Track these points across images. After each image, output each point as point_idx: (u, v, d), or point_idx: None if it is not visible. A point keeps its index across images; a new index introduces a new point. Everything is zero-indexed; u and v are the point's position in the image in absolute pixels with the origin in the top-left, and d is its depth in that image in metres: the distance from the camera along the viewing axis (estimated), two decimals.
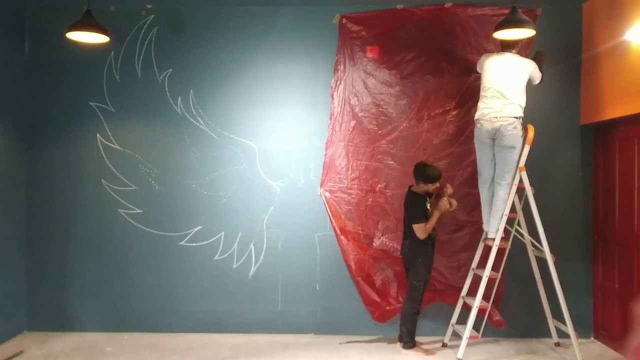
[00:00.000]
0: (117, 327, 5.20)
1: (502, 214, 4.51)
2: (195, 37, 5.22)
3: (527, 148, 4.55)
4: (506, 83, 4.48)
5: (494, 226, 4.55)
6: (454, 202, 4.70)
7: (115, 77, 5.23)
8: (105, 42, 4.57)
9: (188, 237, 5.22)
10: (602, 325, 4.99)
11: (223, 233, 5.22)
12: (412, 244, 4.67)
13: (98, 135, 5.23)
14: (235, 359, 4.62)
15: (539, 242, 4.54)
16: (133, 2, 5.13)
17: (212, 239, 5.22)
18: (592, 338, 5.13)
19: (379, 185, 5.12)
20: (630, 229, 4.64)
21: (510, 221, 4.60)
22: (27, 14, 5.24)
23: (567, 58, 5.13)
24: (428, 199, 4.75)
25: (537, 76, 4.63)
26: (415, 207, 4.67)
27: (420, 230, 4.58)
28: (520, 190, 4.62)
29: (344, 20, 5.14)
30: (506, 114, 4.44)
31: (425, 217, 4.63)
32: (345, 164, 5.12)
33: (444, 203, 4.62)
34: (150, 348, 4.84)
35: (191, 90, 5.22)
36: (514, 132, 4.44)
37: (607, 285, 4.95)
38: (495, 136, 4.50)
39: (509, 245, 4.66)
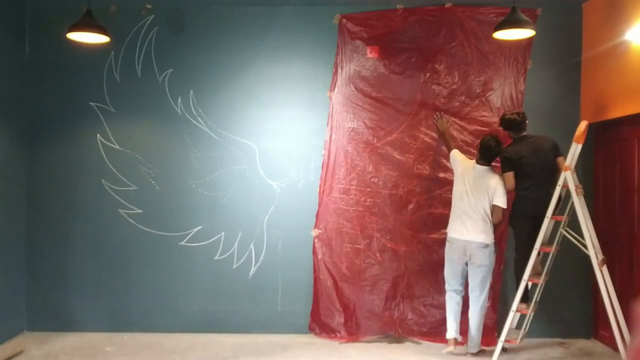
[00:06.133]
0: (117, 327, 5.20)
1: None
2: (195, 37, 5.22)
3: (574, 146, 4.34)
4: None
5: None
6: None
7: (115, 77, 5.23)
8: (106, 42, 4.57)
9: (188, 237, 5.22)
10: (602, 325, 4.98)
11: (223, 233, 5.22)
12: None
13: (98, 135, 5.23)
14: (235, 359, 4.62)
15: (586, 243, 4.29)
16: (133, 2, 5.12)
17: (212, 239, 5.22)
18: (592, 338, 5.13)
19: (377, 187, 5.11)
20: (630, 229, 4.64)
21: (557, 223, 4.50)
22: (27, 14, 5.24)
23: (567, 58, 5.13)
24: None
25: None
26: None
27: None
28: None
29: (344, 20, 5.14)
30: None
31: None
32: (343, 165, 5.12)
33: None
34: (150, 348, 4.84)
35: (191, 91, 5.22)
36: None
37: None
38: None
39: (553, 249, 4.49)
